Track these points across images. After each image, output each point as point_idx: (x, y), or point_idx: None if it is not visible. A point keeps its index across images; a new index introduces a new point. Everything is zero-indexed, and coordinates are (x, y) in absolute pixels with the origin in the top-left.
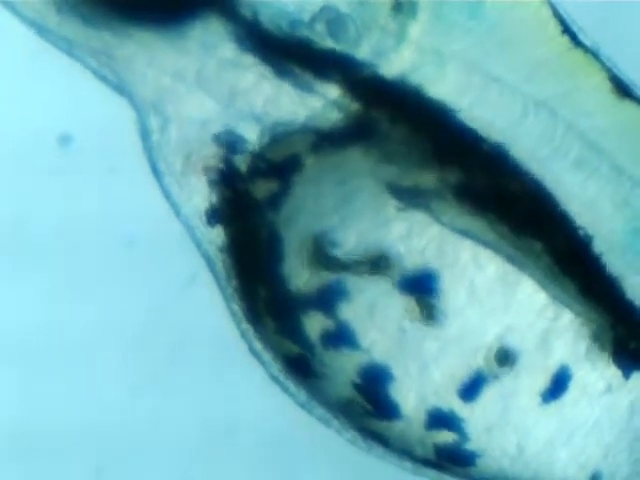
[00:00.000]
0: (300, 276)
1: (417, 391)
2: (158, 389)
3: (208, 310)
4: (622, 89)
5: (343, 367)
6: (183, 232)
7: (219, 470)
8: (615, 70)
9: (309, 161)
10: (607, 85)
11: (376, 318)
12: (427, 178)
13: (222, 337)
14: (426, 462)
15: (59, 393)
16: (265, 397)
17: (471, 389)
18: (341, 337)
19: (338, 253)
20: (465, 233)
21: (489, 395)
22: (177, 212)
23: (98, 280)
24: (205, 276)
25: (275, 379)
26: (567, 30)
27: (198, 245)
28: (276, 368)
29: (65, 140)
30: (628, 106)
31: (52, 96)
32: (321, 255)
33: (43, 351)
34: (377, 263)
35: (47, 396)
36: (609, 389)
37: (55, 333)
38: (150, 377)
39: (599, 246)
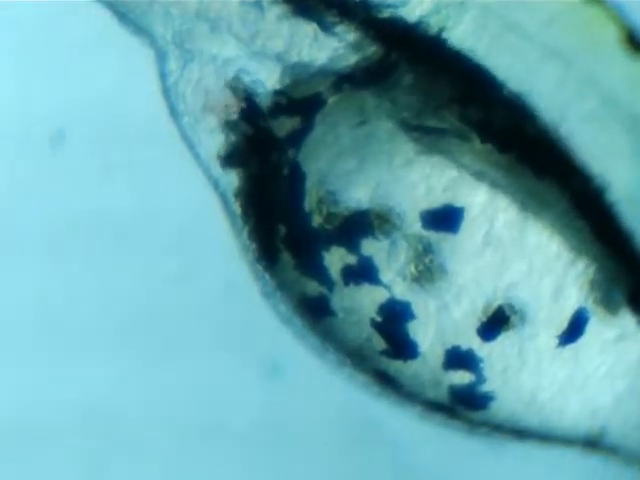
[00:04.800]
0: (322, 213)
1: (436, 329)
2: (149, 383)
3: (200, 306)
4: (637, 42)
5: (363, 304)
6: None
7: (210, 464)
8: (631, 23)
9: (332, 100)
10: (622, 38)
11: (397, 255)
12: (448, 117)
13: (215, 331)
14: (437, 405)
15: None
16: (259, 392)
17: (490, 329)
18: (363, 273)
19: (355, 197)
20: (483, 175)
21: (507, 336)
22: (194, 153)
23: (91, 279)
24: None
25: (288, 321)
26: None
27: (215, 186)
28: (290, 309)
29: (58, 137)
30: None
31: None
32: (336, 199)
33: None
34: (389, 212)
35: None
36: (622, 337)
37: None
38: (141, 371)
39: (615, 194)
